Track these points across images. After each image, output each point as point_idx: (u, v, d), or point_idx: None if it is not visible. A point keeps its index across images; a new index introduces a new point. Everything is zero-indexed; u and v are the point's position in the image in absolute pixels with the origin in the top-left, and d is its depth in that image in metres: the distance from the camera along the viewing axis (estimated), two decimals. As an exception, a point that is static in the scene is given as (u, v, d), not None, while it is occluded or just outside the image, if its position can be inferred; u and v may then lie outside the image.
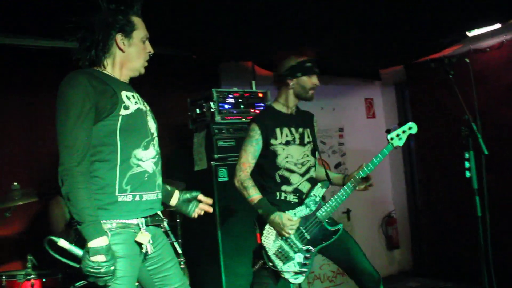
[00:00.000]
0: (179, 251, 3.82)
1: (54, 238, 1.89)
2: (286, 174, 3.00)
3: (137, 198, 2.06)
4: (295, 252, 2.88)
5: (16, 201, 3.24)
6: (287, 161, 3.00)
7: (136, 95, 2.18)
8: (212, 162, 4.07)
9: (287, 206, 2.97)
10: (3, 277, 3.19)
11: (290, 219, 2.85)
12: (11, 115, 4.02)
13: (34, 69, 4.08)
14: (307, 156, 3.08)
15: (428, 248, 5.92)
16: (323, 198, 3.03)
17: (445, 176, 5.58)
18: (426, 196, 5.91)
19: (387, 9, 3.95)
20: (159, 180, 2.19)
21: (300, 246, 2.90)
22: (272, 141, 3.00)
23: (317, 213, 2.96)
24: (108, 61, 2.14)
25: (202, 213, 2.46)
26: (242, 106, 4.33)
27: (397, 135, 3.08)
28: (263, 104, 4.47)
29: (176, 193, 2.37)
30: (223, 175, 4.09)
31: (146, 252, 2.09)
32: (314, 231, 2.94)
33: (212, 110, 4.15)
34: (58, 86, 2.00)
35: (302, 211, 2.96)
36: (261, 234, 2.92)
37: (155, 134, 2.21)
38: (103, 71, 2.13)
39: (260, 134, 2.99)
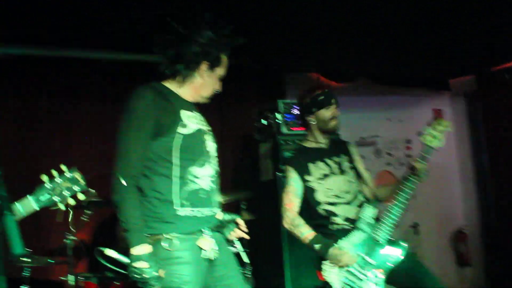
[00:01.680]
0: (246, 261, 3.86)
1: (101, 248, 2.01)
2: (330, 207, 2.92)
3: (197, 214, 2.12)
4: (362, 281, 2.76)
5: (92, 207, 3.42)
6: (327, 195, 2.93)
7: (197, 114, 2.26)
8: (277, 173, 4.11)
9: (342, 234, 2.87)
10: (79, 277, 3.37)
11: (349, 251, 2.77)
12: (83, 124, 4.30)
13: (104, 80, 4.35)
14: (351, 182, 3.01)
15: (504, 267, 5.63)
16: (377, 218, 2.89)
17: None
18: (501, 212, 5.64)
19: (458, 16, 3.85)
20: (216, 197, 2.24)
21: (366, 273, 2.77)
22: (307, 177, 2.97)
23: (374, 235, 2.83)
24: (183, 79, 2.23)
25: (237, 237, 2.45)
26: (308, 117, 4.34)
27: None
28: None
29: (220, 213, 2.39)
30: (289, 185, 4.10)
31: (210, 257, 2.14)
32: (377, 255, 2.79)
33: (278, 121, 4.20)
34: (125, 96, 2.12)
35: (357, 236, 2.85)
36: (321, 270, 2.82)
37: (214, 154, 2.27)
38: (172, 88, 2.23)
39: (296, 173, 2.98)
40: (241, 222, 2.43)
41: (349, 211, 2.93)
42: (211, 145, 2.25)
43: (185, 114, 2.16)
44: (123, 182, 1.99)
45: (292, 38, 4.08)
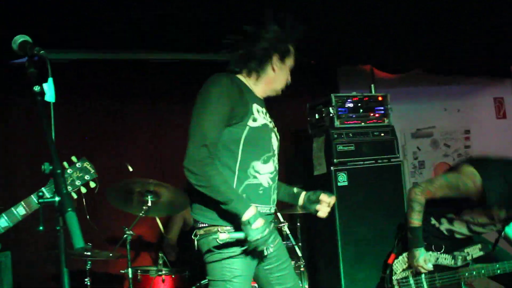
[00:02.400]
0: (299, 254, 3.85)
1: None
2: (458, 233, 2.81)
3: None
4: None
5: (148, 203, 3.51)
6: (467, 227, 2.80)
7: (265, 110, 2.26)
8: (331, 167, 4.07)
9: (440, 245, 2.79)
10: (139, 271, 3.47)
11: (427, 262, 2.67)
12: (139, 122, 4.44)
13: (157, 80, 4.48)
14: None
15: None
16: (475, 259, 2.76)
17: None
18: None
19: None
20: (274, 195, 2.24)
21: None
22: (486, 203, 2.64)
23: (460, 271, 2.74)
24: (257, 75, 2.25)
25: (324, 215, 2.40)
26: (361, 110, 4.27)
27: None
28: (382, 108, 4.37)
29: (303, 194, 2.40)
30: (342, 179, 4.07)
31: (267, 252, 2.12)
32: (446, 284, 2.74)
33: (331, 115, 4.16)
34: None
35: (446, 259, 2.78)
36: (396, 257, 2.82)
37: (276, 151, 2.26)
38: (244, 81, 2.25)
39: (475, 192, 2.62)
40: (324, 198, 2.37)
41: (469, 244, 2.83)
42: (275, 142, 2.25)
43: (255, 108, 2.17)
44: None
45: (344, 31, 4.03)
